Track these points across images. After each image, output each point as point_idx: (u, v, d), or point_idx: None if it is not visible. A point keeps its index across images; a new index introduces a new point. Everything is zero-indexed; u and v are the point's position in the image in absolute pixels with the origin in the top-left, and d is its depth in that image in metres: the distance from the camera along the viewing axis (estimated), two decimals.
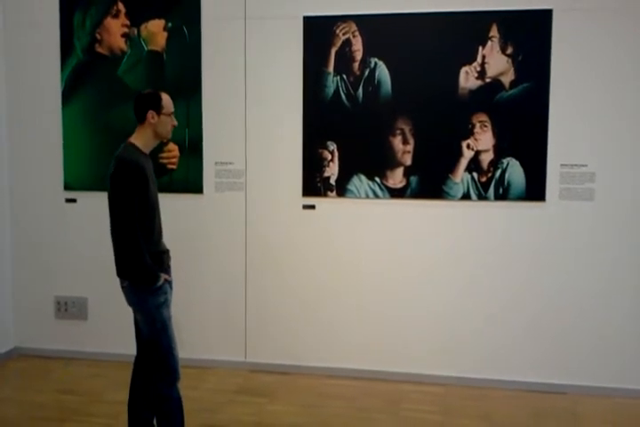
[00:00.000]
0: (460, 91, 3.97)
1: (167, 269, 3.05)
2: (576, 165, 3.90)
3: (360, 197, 4.14)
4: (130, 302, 2.94)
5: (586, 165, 3.89)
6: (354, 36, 4.07)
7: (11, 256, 4.62)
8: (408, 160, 4.06)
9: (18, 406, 3.79)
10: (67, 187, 4.49)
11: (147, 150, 2.98)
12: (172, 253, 3.12)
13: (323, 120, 4.14)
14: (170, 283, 3.04)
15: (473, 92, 3.96)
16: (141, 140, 2.95)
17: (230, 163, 4.29)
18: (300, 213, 4.22)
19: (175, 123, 3.03)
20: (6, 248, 4.59)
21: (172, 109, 3.01)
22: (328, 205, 4.19)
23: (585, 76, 3.86)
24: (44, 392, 3.97)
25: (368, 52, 4.06)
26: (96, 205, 4.35)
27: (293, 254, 4.26)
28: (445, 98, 3.99)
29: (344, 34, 4.08)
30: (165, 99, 2.97)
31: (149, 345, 2.94)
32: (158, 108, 2.93)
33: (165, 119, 2.96)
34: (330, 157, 4.15)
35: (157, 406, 2.98)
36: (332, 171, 4.16)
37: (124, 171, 2.81)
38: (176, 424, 2.97)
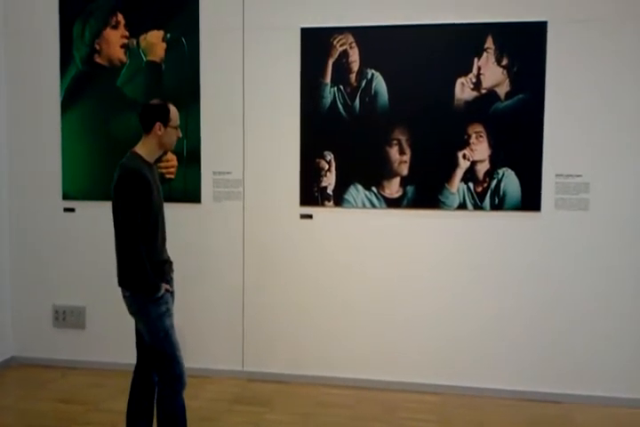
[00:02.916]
0: (455, 102, 4.01)
1: (169, 281, 3.06)
2: (571, 175, 3.94)
3: (357, 207, 4.17)
4: (131, 312, 2.95)
5: (580, 176, 3.93)
6: (351, 48, 4.11)
7: (9, 265, 4.63)
8: (404, 170, 4.10)
9: (16, 415, 3.80)
10: (65, 196, 4.52)
11: (151, 160, 2.99)
12: None
13: (320, 130, 4.18)
14: (172, 294, 3.05)
15: (468, 103, 4.00)
16: (145, 149, 2.96)
17: (228, 172, 4.32)
18: (298, 223, 4.25)
19: (180, 134, 3.05)
20: (4, 257, 4.61)
21: (179, 122, 3.02)
22: (325, 214, 4.22)
23: (579, 87, 3.90)
24: (42, 401, 3.98)
25: (365, 63, 4.10)
26: (94, 215, 4.40)
27: (291, 263, 4.28)
28: (441, 109, 4.03)
29: (341, 45, 4.12)
30: (173, 111, 2.98)
31: (154, 354, 2.95)
32: (166, 120, 2.94)
33: (171, 131, 2.97)
34: (327, 166, 4.18)
35: (161, 413, 2.98)
36: (330, 181, 4.19)
37: (127, 180, 2.82)
38: None
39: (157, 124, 2.93)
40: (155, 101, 3.00)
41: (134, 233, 2.81)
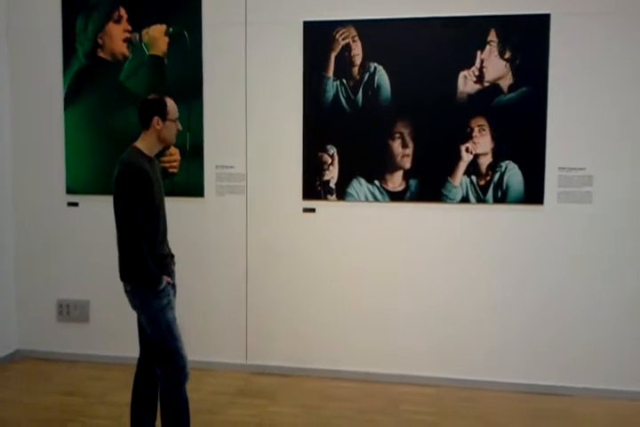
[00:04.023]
0: (458, 95, 4.01)
1: (171, 274, 3.07)
2: (574, 168, 3.93)
3: (360, 201, 4.17)
4: (133, 306, 2.96)
5: (584, 169, 3.92)
6: (353, 41, 4.11)
7: (13, 259, 4.65)
8: (407, 164, 4.10)
9: (21, 408, 3.82)
10: (69, 190, 4.53)
11: (151, 154, 2.98)
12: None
13: (323, 124, 4.18)
14: (173, 286, 3.07)
15: (471, 97, 3.99)
16: (146, 144, 2.97)
17: (231, 166, 4.32)
18: (301, 217, 4.25)
19: (180, 128, 3.05)
20: (9, 251, 4.62)
21: (177, 115, 3.02)
22: (328, 208, 4.23)
23: (582, 80, 3.89)
24: (46, 394, 4.00)
25: (367, 56, 4.09)
26: (98, 209, 4.41)
27: (294, 257, 4.29)
28: (444, 102, 4.02)
29: (344, 39, 4.12)
30: (170, 104, 2.98)
31: (156, 347, 2.96)
32: (163, 113, 2.94)
33: (170, 125, 2.98)
34: (330, 160, 4.19)
35: (164, 406, 3.00)
36: (332, 174, 4.19)
37: (126, 175, 2.83)
38: (181, 425, 2.99)
39: (155, 119, 2.93)
40: (151, 96, 3.00)
41: (134, 227, 2.82)
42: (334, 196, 4.20)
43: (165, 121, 2.95)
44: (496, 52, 3.96)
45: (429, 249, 4.13)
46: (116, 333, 4.47)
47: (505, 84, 3.96)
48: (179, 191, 4.34)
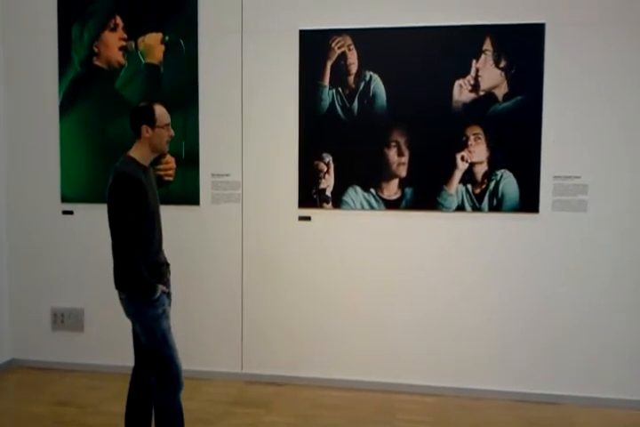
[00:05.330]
0: (454, 104, 4.02)
1: (166, 283, 3.06)
2: (569, 176, 3.94)
3: (355, 209, 4.17)
4: (128, 314, 2.95)
5: (579, 177, 3.93)
6: (349, 50, 4.12)
7: (7, 268, 4.63)
8: (403, 172, 4.10)
9: (14, 417, 3.79)
10: (64, 199, 4.52)
11: (145, 162, 2.97)
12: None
13: (318, 132, 4.18)
14: (168, 295, 3.06)
15: (467, 105, 4.00)
16: (139, 153, 2.95)
17: (227, 175, 4.32)
18: (296, 225, 4.25)
19: (172, 133, 3.00)
20: (3, 260, 4.60)
21: (167, 121, 2.98)
22: (324, 216, 4.22)
23: (577, 88, 3.91)
24: (40, 404, 3.97)
25: (363, 65, 4.10)
26: (93, 217, 4.40)
27: (289, 266, 4.28)
28: (440, 110, 4.03)
29: (339, 47, 4.13)
30: (159, 111, 2.95)
31: (151, 356, 2.95)
32: (151, 121, 2.92)
33: (160, 132, 2.94)
34: (325, 168, 4.19)
35: (158, 415, 2.98)
36: (328, 182, 4.19)
37: (120, 184, 2.82)
38: None
39: (144, 127, 2.92)
40: (141, 104, 2.98)
41: (128, 236, 2.81)
42: (330, 204, 4.20)
43: (154, 128, 2.93)
44: (491, 61, 3.97)
45: (425, 257, 4.13)
46: (110, 341, 4.45)
47: (500, 92, 3.97)
48: (174, 199, 4.33)
